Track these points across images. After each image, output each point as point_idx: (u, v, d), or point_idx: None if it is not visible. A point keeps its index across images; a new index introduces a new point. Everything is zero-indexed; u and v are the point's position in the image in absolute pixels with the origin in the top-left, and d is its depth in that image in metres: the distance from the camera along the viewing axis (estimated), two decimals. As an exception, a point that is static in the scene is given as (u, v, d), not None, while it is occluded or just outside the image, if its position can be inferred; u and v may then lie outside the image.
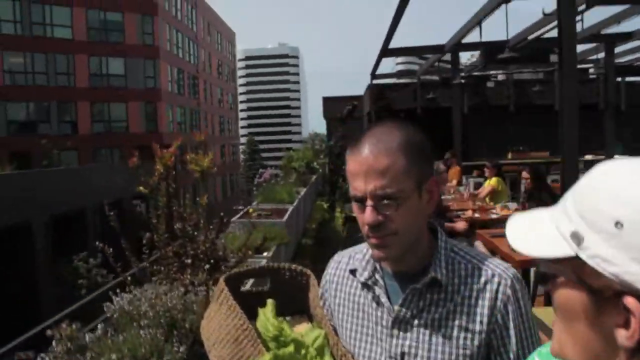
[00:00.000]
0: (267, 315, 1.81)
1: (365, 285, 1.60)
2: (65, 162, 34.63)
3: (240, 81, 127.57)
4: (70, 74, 40.10)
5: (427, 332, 1.49)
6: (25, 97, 37.43)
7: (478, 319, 1.47)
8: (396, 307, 1.51)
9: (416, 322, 1.50)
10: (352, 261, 1.67)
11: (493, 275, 1.49)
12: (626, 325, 0.69)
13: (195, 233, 3.10)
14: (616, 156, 14.12)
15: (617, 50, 14.25)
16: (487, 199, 9.42)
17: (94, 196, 26.17)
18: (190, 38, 52.86)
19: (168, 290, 2.75)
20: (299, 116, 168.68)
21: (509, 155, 17.24)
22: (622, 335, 0.70)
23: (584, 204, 0.74)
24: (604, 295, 0.72)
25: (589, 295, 0.73)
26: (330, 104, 24.22)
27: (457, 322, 1.47)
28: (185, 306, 2.64)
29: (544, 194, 7.66)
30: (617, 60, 14.86)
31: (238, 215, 5.34)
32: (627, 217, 0.70)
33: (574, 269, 0.74)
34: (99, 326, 2.53)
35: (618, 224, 0.70)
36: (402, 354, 1.51)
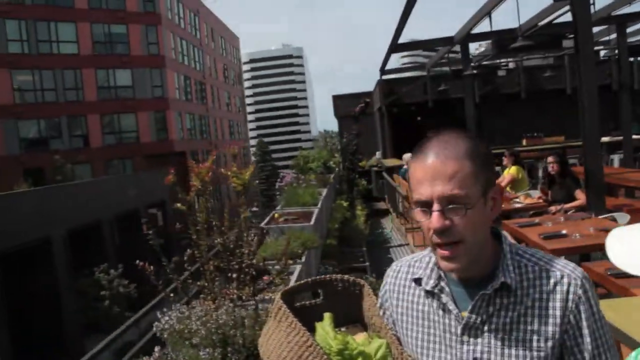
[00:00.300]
0: (325, 329, 1.80)
1: (430, 293, 1.60)
2: (79, 175, 34.90)
3: (247, 84, 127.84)
4: (79, 88, 40.38)
5: (499, 336, 1.48)
6: (35, 114, 37.70)
7: (550, 320, 1.46)
8: (465, 314, 1.51)
9: (486, 327, 1.49)
10: (414, 270, 1.67)
11: (562, 277, 1.49)
12: None
13: (235, 246, 3.11)
14: (634, 135, 14.02)
15: (628, 30, 14.15)
16: (507, 188, 9.36)
17: (109, 208, 26.40)
18: (195, 45, 53.00)
19: (216, 306, 2.76)
20: (307, 115, 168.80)
21: (524, 142, 17.15)
22: None
23: None
24: None
25: None
26: (340, 102, 24.23)
27: (528, 325, 1.47)
28: (236, 321, 2.64)
29: (567, 179, 7.62)
30: (628, 40, 14.75)
31: (265, 222, 5.33)
32: None
33: None
34: (156, 349, 2.54)
35: None
36: None
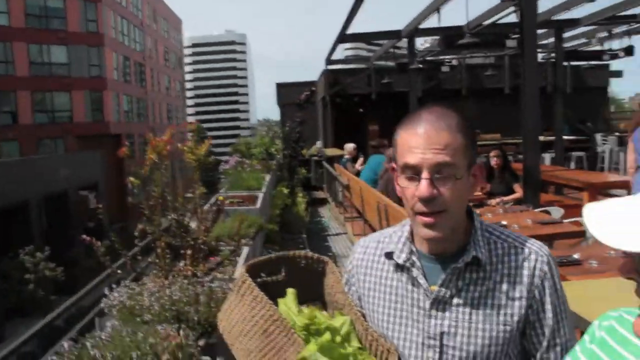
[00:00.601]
0: (289, 305, 1.79)
1: (400, 268, 1.61)
2: (6, 153, 33.42)
3: (187, 68, 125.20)
4: (9, 62, 38.48)
5: (467, 310, 1.52)
6: (-41, 86, 35.82)
7: (517, 295, 1.51)
8: (435, 288, 1.54)
9: (455, 301, 1.53)
10: (383, 245, 1.68)
11: (530, 253, 1.54)
12: None
13: (189, 223, 3.05)
14: (565, 136, 14.63)
15: (565, 35, 14.71)
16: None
17: (37, 188, 25.38)
18: (136, 25, 51.50)
19: (170, 282, 2.70)
20: (247, 103, 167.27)
21: (463, 138, 17.52)
22: None
23: None
24: None
25: None
26: (284, 90, 24.14)
27: (496, 300, 1.51)
28: (190, 298, 2.59)
29: (507, 174, 7.90)
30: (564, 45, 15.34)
31: (209, 203, 5.26)
32: None
33: None
34: (108, 323, 2.47)
35: None
36: (441, 334, 1.53)
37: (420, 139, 1.44)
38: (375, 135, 17.78)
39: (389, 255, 1.64)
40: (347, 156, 13.56)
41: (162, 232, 2.98)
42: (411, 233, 1.63)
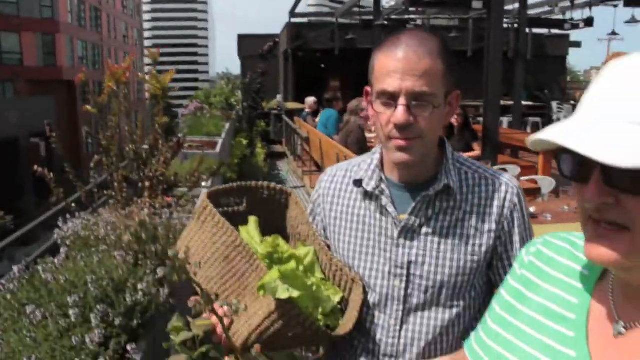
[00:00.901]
0: (251, 233, 1.76)
1: (369, 196, 1.59)
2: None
3: (146, 17, 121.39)
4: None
5: (435, 240, 1.51)
6: None
7: (486, 226, 1.51)
8: (404, 216, 1.52)
9: (424, 230, 1.51)
10: (352, 174, 1.65)
11: (500, 185, 1.54)
12: None
13: (148, 155, 2.95)
14: (523, 102, 14.90)
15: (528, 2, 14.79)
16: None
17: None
18: (92, -34, 49.35)
19: (127, 213, 2.62)
20: (206, 55, 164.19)
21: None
22: None
23: None
24: None
25: None
26: (246, 42, 23.66)
27: (465, 230, 1.50)
28: (149, 229, 2.52)
29: (467, 133, 7.99)
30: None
31: (170, 153, 5.12)
32: None
33: None
34: (62, 250, 2.38)
35: None
36: (409, 263, 1.52)
37: (400, 64, 1.39)
38: (334, 90, 17.71)
39: (358, 183, 1.60)
40: (307, 110, 13.45)
41: (121, 166, 2.88)
42: (381, 161, 1.60)
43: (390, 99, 1.41)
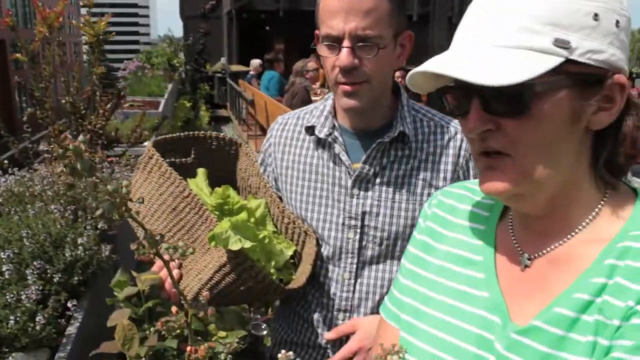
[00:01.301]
0: (199, 185, 1.69)
1: (321, 144, 1.53)
2: None
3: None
4: None
5: (390, 189, 1.47)
6: None
7: (441, 175, 1.48)
8: (359, 165, 1.47)
9: (378, 180, 1.47)
10: (304, 121, 1.59)
11: (456, 133, 1.51)
12: (609, 103, 0.79)
13: (86, 108, 2.78)
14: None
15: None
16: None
17: None
18: None
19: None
20: (147, 16, 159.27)
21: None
22: (602, 117, 0.80)
23: (554, 12, 0.76)
24: (589, 87, 0.78)
25: (575, 94, 0.77)
26: (188, 2, 22.99)
27: (420, 179, 1.47)
28: (88, 184, 2.39)
29: (411, 94, 8.07)
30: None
31: (109, 105, 4.91)
32: (600, 7, 0.77)
33: (564, 74, 0.76)
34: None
35: (596, 15, 0.76)
36: (363, 214, 1.48)
37: (342, 3, 1.32)
38: (276, 52, 17.51)
39: (310, 130, 1.54)
40: (252, 72, 13.21)
41: (55, 117, 2.71)
42: (334, 108, 1.54)
43: (334, 41, 1.35)
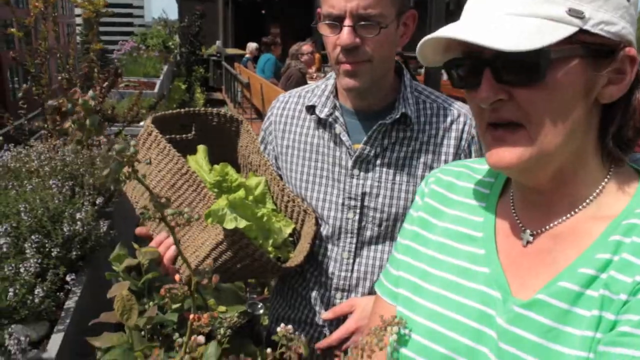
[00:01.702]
0: (199, 162, 1.69)
1: (322, 123, 1.53)
2: None
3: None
4: None
5: (391, 171, 1.47)
6: None
7: (442, 158, 1.48)
8: (359, 146, 1.46)
9: (379, 161, 1.47)
10: (305, 100, 1.58)
11: (459, 115, 1.50)
12: (620, 74, 0.79)
13: (83, 83, 2.76)
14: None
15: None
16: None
17: None
18: None
19: (62, 143, 2.45)
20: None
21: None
22: (612, 90, 0.80)
23: None
24: (601, 58, 0.78)
25: (588, 64, 0.77)
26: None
27: (422, 161, 1.47)
28: (85, 161, 2.38)
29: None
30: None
31: (106, 83, 4.88)
32: None
33: (578, 44, 0.76)
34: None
35: None
36: (363, 195, 1.48)
37: None
38: (274, 36, 17.39)
39: (311, 109, 1.54)
40: (248, 55, 13.11)
41: (51, 93, 2.68)
42: (336, 87, 1.54)
43: (335, 20, 1.34)
